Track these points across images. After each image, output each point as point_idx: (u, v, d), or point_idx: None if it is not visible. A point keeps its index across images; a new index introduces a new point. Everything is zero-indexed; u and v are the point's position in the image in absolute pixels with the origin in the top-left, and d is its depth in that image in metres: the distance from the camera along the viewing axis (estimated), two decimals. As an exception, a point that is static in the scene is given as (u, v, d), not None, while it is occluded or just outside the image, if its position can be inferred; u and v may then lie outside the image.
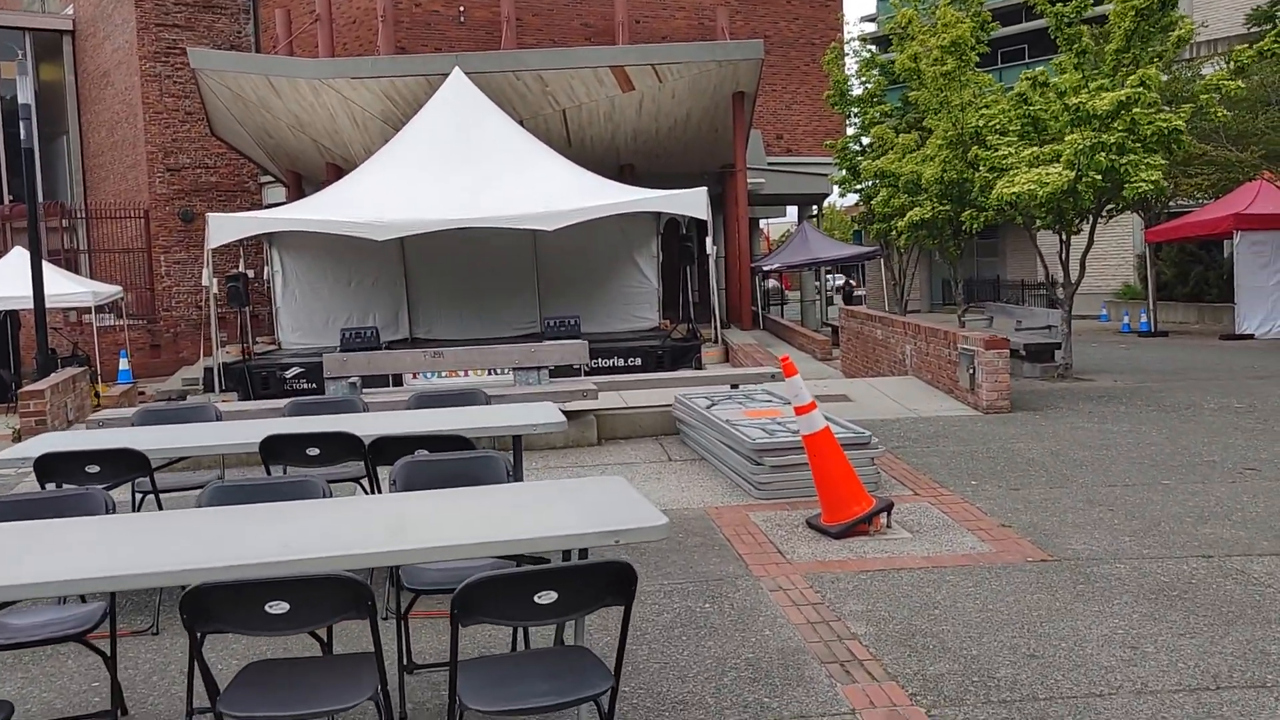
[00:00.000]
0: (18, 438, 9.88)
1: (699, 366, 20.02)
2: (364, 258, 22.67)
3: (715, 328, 19.56)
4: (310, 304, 22.93)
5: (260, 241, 23.05)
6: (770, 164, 28.31)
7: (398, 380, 19.06)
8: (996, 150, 11.86)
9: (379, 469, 5.21)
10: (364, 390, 8.80)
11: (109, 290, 20.18)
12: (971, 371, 9.64)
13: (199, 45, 26.44)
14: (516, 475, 5.12)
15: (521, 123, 21.49)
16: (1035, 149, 11.37)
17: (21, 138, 16.95)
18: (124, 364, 17.62)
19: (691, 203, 19.46)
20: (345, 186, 20.10)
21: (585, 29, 26.57)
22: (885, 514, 5.90)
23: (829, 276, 38.17)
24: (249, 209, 26.45)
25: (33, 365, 22.90)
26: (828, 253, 25.54)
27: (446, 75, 21.34)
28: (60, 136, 31.48)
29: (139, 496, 5.66)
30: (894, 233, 18.33)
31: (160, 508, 5.40)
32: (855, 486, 5.77)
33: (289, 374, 19.66)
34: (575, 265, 23.36)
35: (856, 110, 23.74)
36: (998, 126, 12.20)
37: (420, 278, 23.56)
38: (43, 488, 4.50)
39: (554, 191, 19.24)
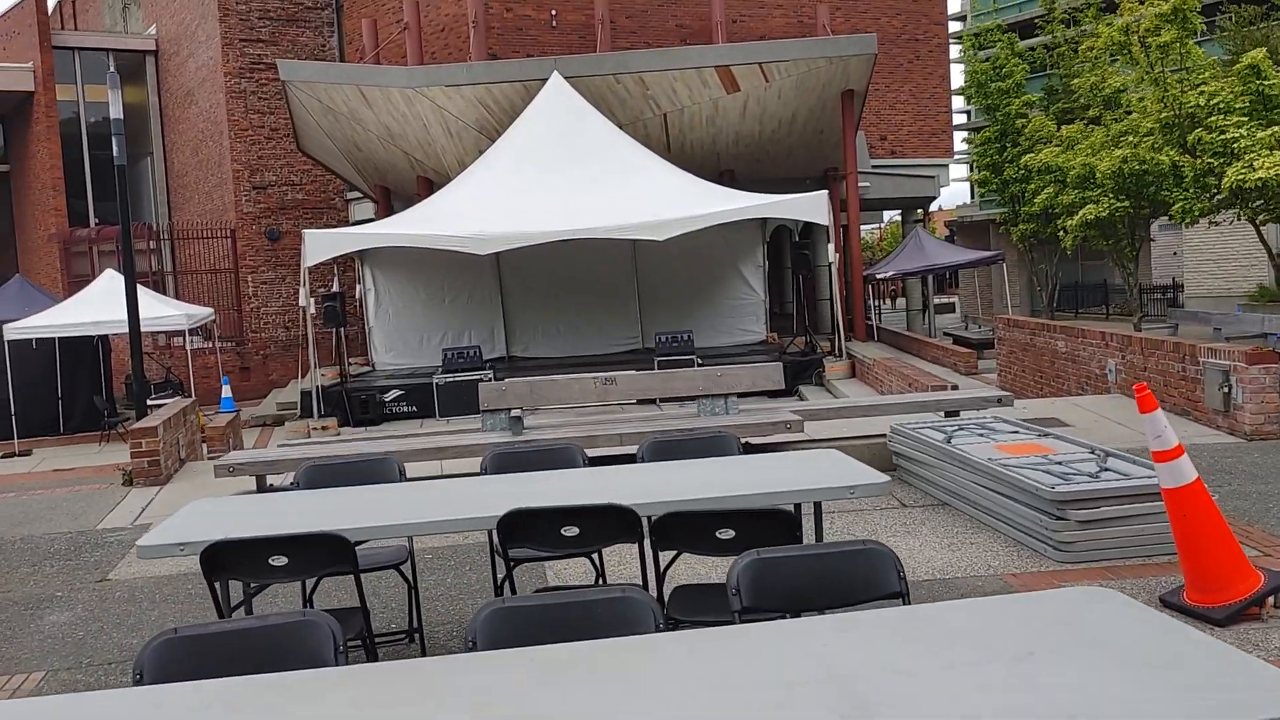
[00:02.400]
0: (129, 480, 8.90)
1: (820, 382, 18.73)
2: (458, 273, 21.79)
3: (839, 340, 18.25)
4: (404, 323, 22.09)
5: (350, 259, 22.23)
6: (875, 166, 26.94)
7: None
8: (1223, 132, 10.39)
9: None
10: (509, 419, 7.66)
11: (202, 312, 19.42)
12: (1226, 390, 8.25)
13: (283, 60, 25.76)
14: (818, 537, 3.94)
15: (621, 128, 20.40)
16: (1276, 129, 9.91)
17: (114, 154, 16.19)
18: (226, 390, 16.76)
19: (812, 207, 18.25)
20: (443, 199, 19.18)
21: (680, 30, 25.48)
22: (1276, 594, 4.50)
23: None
24: (336, 226, 25.69)
25: (122, 391, 22.28)
26: (944, 258, 24.09)
27: (544, 81, 20.34)
28: (144, 158, 31.07)
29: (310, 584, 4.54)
30: (1061, 232, 16.80)
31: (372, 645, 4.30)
32: (1237, 555, 4.43)
33: (388, 397, 18.74)
34: (677, 277, 22.28)
35: (992, 103, 22.09)
36: (1221, 105, 10.71)
37: (516, 293, 22.62)
38: (212, 589, 3.38)
39: (663, 199, 18.16)
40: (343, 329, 19.67)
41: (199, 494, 8.56)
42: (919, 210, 29.15)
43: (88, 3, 35.45)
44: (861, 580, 2.86)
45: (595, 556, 4.49)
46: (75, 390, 19.85)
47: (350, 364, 21.42)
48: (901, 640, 2.30)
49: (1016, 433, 6.90)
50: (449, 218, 17.96)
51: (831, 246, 18.14)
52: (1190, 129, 11.20)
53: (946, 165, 28.52)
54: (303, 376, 20.90)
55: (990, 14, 39.71)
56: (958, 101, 38.73)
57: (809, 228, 23.59)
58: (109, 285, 18.80)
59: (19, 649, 5.12)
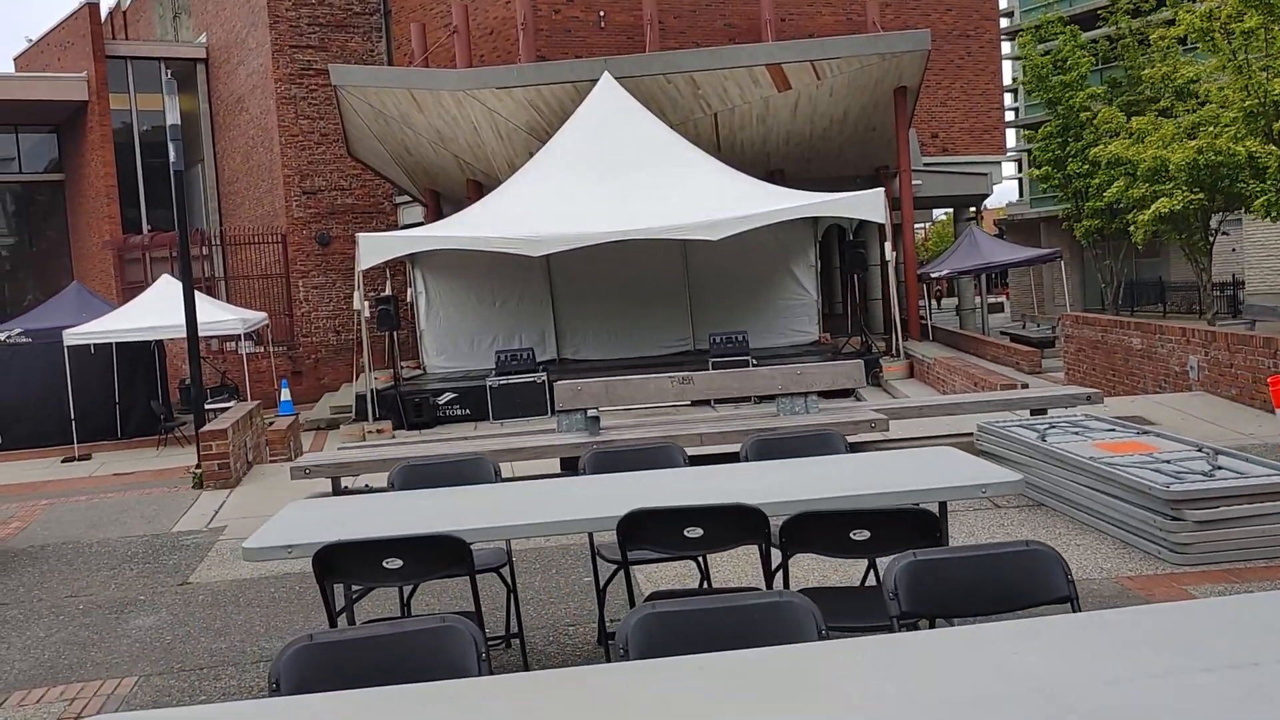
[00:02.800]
0: (199, 483, 8.86)
1: (877, 383, 18.47)
2: (508, 276, 21.74)
3: (895, 340, 18.00)
4: (455, 326, 22.07)
5: (401, 263, 22.24)
6: (926, 164, 26.60)
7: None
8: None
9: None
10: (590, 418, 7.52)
11: (256, 317, 19.49)
12: (1325, 385, 7.97)
13: (335, 65, 25.88)
14: (943, 543, 3.76)
15: (671, 129, 20.26)
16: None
17: (171, 159, 16.27)
18: (285, 394, 16.79)
19: (869, 205, 18.02)
20: (494, 201, 19.13)
21: (729, 30, 25.31)
22: None
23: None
24: (385, 230, 25.72)
25: (177, 396, 22.44)
26: (1001, 256, 23.71)
27: (594, 81, 20.23)
28: (195, 165, 31.35)
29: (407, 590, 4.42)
30: (1131, 227, 16.38)
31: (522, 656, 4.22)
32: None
33: (441, 400, 18.72)
34: (728, 278, 22.10)
35: (1054, 97, 21.57)
36: (1309, 92, 10.40)
37: (566, 295, 22.52)
38: (325, 593, 3.26)
39: (717, 199, 18.00)
40: (396, 332, 19.64)
41: (270, 496, 8.49)
42: (971, 208, 28.77)
43: (139, 13, 35.84)
44: (1025, 583, 2.69)
45: (702, 559, 4.35)
46: (132, 395, 20.00)
47: (401, 367, 21.44)
48: (1094, 647, 2.12)
49: (1113, 430, 6.66)
50: (501, 220, 17.91)
51: (889, 244, 17.88)
52: (1276, 117, 10.87)
53: (999, 162, 28.14)
54: (356, 380, 20.97)
55: (1040, 8, 39.20)
56: (1009, 98, 38.25)
57: (862, 226, 23.33)
58: (165, 290, 18.92)
59: (108, 653, 5.05)
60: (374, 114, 21.68)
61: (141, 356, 20.08)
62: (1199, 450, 5.98)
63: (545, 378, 18.48)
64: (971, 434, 7.45)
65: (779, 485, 3.75)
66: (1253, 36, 11.95)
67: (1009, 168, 38.04)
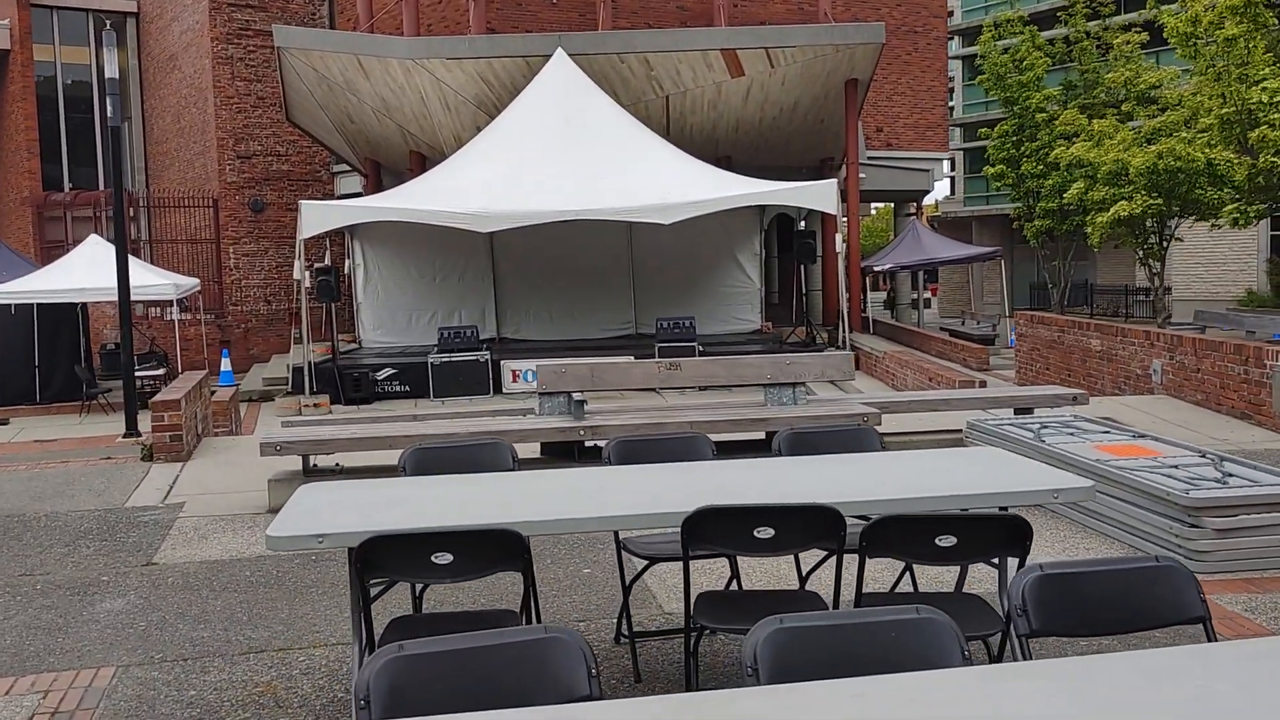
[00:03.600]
0: (148, 455, 8.42)
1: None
2: (451, 252, 21.34)
3: (843, 331, 17.99)
4: (393, 300, 21.62)
5: (339, 234, 21.67)
6: (870, 158, 26.69)
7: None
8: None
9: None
10: (569, 403, 7.29)
11: (188, 283, 18.82)
12: (1301, 395, 8.06)
13: (270, 28, 25.09)
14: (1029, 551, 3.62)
15: (622, 109, 20.00)
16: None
17: (108, 114, 15.57)
18: (225, 364, 16.20)
19: (821, 195, 18.00)
20: (442, 174, 18.70)
21: (681, 13, 25.08)
22: None
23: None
24: (321, 198, 25.06)
25: (98, 361, 21.59)
26: (943, 253, 23.90)
27: (547, 57, 19.86)
28: (123, 123, 30.20)
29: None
30: (1089, 228, 16.52)
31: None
32: None
33: (380, 375, 18.28)
34: (673, 263, 21.99)
35: (1011, 96, 21.71)
36: (1282, 103, 10.53)
37: (508, 274, 22.20)
38: (361, 585, 3.00)
39: (670, 182, 17.81)
40: (334, 304, 19.13)
41: (226, 472, 8.11)
42: (911, 204, 29.00)
43: (65, -39, 34.39)
44: (1156, 602, 2.55)
45: (734, 560, 4.15)
46: (54, 359, 19.17)
47: (337, 340, 20.89)
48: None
49: (1107, 433, 6.64)
50: (449, 194, 17.51)
51: (840, 236, 17.87)
52: (1251, 126, 11.02)
53: (941, 159, 28.38)
54: (291, 351, 20.37)
55: (980, 9, 39.64)
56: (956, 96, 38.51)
57: (809, 217, 23.34)
58: (93, 251, 18.18)
59: (77, 640, 4.69)
60: (317, 79, 21.05)
61: (65, 319, 19.25)
62: (1202, 456, 5.97)
63: (489, 356, 18.18)
64: (959, 430, 7.40)
65: (843, 484, 3.58)
66: (1233, 44, 12.08)
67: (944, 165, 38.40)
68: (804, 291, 22.68)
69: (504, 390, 18.31)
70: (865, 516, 3.23)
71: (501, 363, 18.39)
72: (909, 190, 28.05)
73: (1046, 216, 18.81)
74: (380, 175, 23.70)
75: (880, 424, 6.78)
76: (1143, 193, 14.08)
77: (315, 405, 16.92)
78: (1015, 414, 7.78)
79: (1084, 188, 16.71)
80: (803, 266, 20.83)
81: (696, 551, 3.17)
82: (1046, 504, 3.47)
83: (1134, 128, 14.98)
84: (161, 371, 18.31)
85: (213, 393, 11.51)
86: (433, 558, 2.93)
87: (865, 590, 3.29)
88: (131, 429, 15.21)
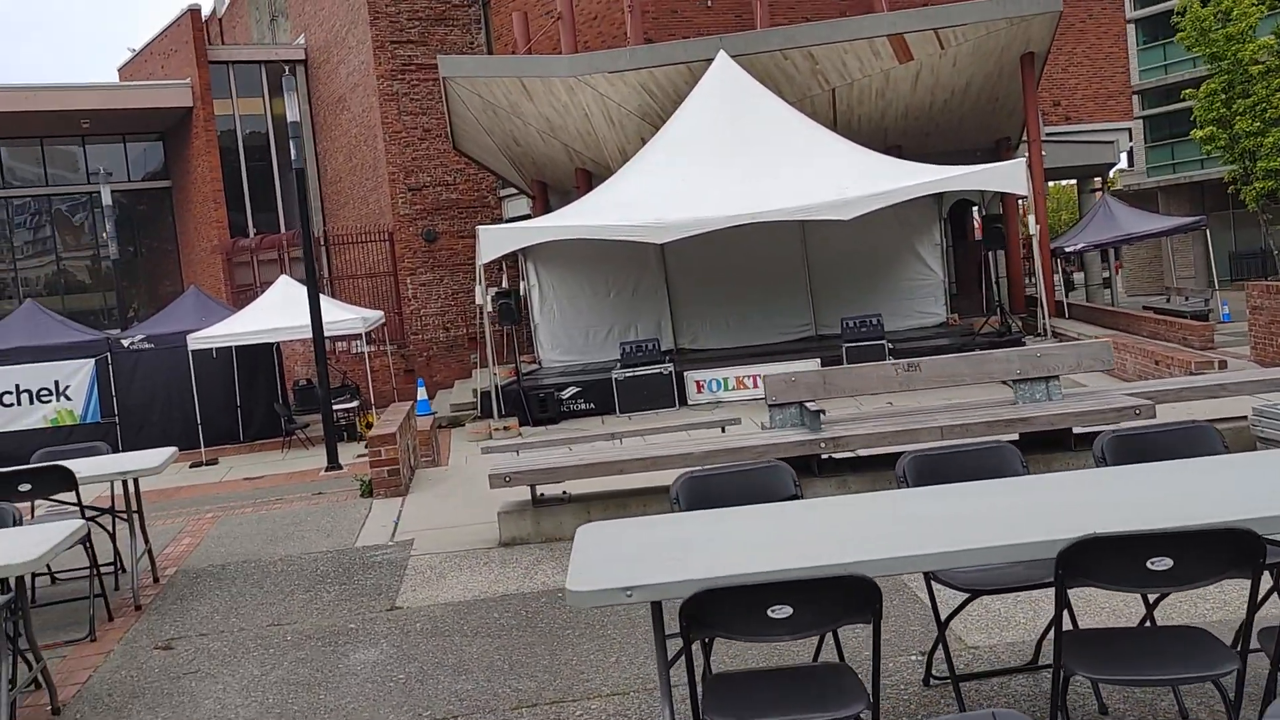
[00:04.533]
0: (368, 491, 8.38)
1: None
2: (622, 266, 21.23)
3: (1044, 319, 17.02)
4: (569, 319, 21.62)
5: (513, 257, 21.79)
6: (1048, 134, 25.41)
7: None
8: None
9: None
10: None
11: (374, 315, 19.18)
12: None
13: (432, 60, 25.59)
14: None
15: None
16: None
17: (292, 155, 16.00)
18: (421, 393, 16.40)
19: (1010, 177, 17.09)
20: (613, 189, 18.55)
21: (840, 3, 24.40)
22: None
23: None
24: (491, 223, 25.36)
25: (293, 399, 22.27)
26: (1140, 227, 22.43)
27: (709, 61, 19.53)
28: (303, 165, 31.35)
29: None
30: None
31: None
32: None
33: (565, 395, 18.22)
34: (849, 259, 21.33)
35: (1218, 51, 20.10)
36: None
37: (681, 284, 21.94)
38: (687, 643, 2.62)
39: (846, 177, 17.20)
40: (515, 326, 19.21)
41: (446, 505, 7.98)
42: (1096, 178, 27.47)
43: (235, 19, 36.01)
44: None
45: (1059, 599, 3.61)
46: (253, 398, 19.87)
47: (519, 362, 20.99)
48: None
49: None
50: (622, 207, 17.36)
51: (1033, 218, 16.93)
52: None
53: (1126, 129, 26.81)
54: (478, 376, 20.58)
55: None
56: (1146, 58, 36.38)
57: (992, 201, 22.37)
58: (285, 292, 18.71)
59: (339, 696, 4.51)
60: (482, 105, 21.26)
61: (261, 359, 19.94)
62: None
63: (673, 369, 17.92)
64: (1241, 418, 6.64)
65: (1234, 497, 3.04)
66: None
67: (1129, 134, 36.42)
68: (994, 279, 21.65)
69: (689, 402, 18.04)
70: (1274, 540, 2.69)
71: (685, 374, 18.10)
72: (1093, 165, 26.58)
73: (1269, 177, 17.34)
74: (548, 195, 23.81)
75: (1155, 414, 6.11)
76: None
77: (505, 428, 16.96)
78: (1290, 397, 6.97)
79: None
80: (993, 253, 19.82)
81: (1072, 586, 2.68)
82: None
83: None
84: (355, 404, 18.71)
85: (413, 423, 11.51)
86: (769, 611, 2.54)
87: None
88: (333, 462, 15.54)
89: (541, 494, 6.82)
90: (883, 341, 17.53)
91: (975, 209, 23.40)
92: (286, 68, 22.75)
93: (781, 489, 3.85)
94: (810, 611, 2.56)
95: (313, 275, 15.66)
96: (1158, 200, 37.56)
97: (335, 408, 17.10)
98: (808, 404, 6.59)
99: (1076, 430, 6.48)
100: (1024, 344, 17.76)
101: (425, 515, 7.66)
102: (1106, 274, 26.03)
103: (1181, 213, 32.10)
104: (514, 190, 25.87)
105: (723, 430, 12.65)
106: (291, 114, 15.89)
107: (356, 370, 21.72)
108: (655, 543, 3.21)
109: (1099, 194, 26.72)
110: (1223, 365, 10.59)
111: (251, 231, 29.81)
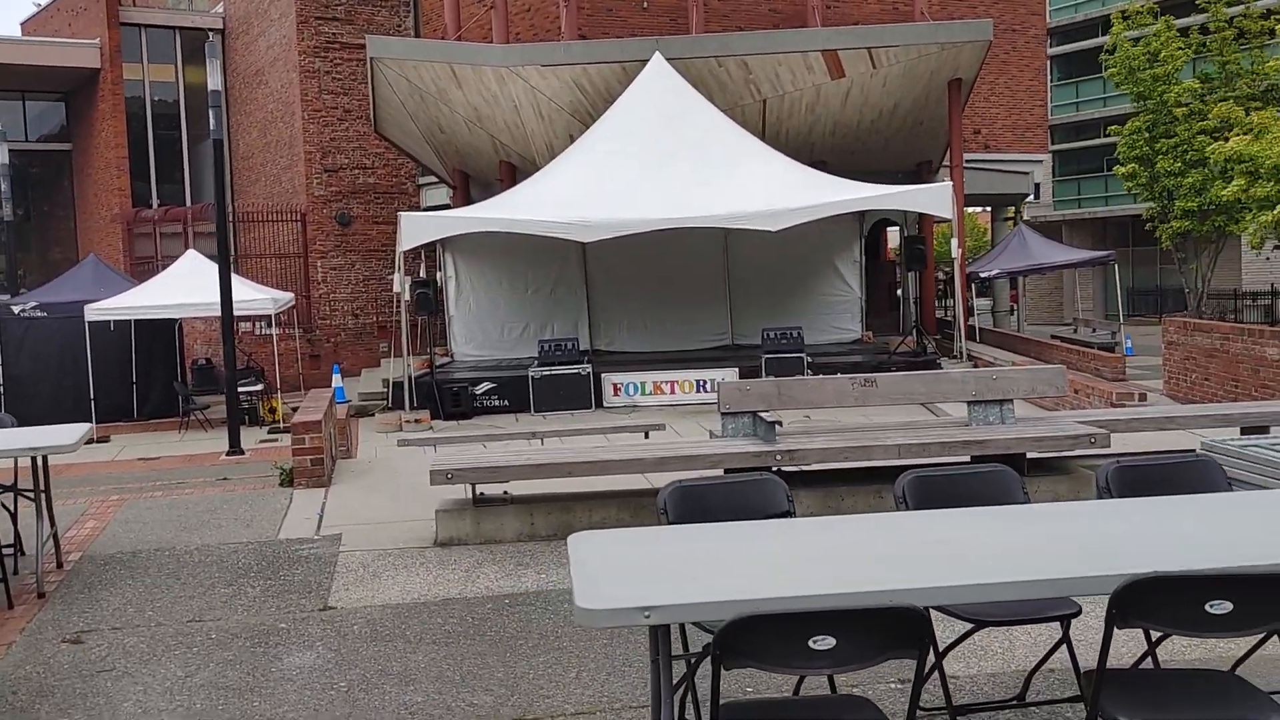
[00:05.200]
0: (288, 480, 7.96)
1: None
2: (543, 263, 20.95)
3: (960, 341, 17.25)
4: (485, 313, 21.24)
5: (432, 246, 21.30)
6: (968, 161, 25.81)
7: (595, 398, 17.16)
8: None
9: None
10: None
11: (285, 297, 18.55)
12: None
13: (357, 39, 24.92)
14: None
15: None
16: None
17: (211, 127, 15.39)
18: (337, 379, 15.83)
19: (937, 199, 17.33)
20: (541, 184, 18.27)
21: (773, 14, 24.49)
22: None
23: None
24: (409, 211, 24.81)
25: (190, 378, 21.43)
26: (1053, 257, 22.95)
27: (644, 62, 19.35)
28: (205, 139, 30.26)
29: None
30: (1252, 227, 15.46)
31: None
32: None
33: (479, 390, 17.85)
34: (770, 272, 21.39)
35: (1144, 90, 20.59)
36: None
37: (602, 285, 21.74)
38: (716, 674, 2.40)
39: (775, 189, 17.20)
40: (430, 318, 18.75)
41: (375, 499, 7.62)
42: (1009, 207, 28.06)
43: (149, -21, 34.66)
44: None
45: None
46: (151, 375, 19.03)
47: (429, 354, 20.53)
48: None
49: (1383, 457, 5.89)
50: (549, 204, 17.09)
51: (955, 241, 17.15)
52: None
53: (1040, 161, 27.43)
54: (382, 365, 20.03)
55: (1069, 8, 38.54)
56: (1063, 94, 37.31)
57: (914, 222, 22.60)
58: (192, 267, 17.99)
59: (275, 704, 4.16)
60: (409, 89, 20.75)
61: (161, 334, 19.12)
62: None
63: (591, 369, 17.69)
64: (1188, 451, 6.66)
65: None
66: None
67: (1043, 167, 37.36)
68: (909, 299, 21.90)
69: (605, 404, 17.82)
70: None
71: (603, 376, 17.88)
72: (1007, 194, 27.14)
73: (1185, 217, 17.87)
74: (469, 186, 23.36)
75: (1109, 445, 6.10)
76: (1315, 188, 13.15)
77: (417, 421, 16.52)
78: (1242, 433, 7.04)
79: (1244, 184, 15.65)
80: (912, 274, 20.04)
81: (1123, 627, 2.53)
82: None
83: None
84: (260, 388, 18.04)
85: (334, 411, 11.05)
86: (811, 642, 2.34)
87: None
88: (235, 447, 14.93)
89: (481, 493, 6.52)
90: (802, 355, 17.55)
91: (898, 229, 23.67)
92: (210, 34, 21.90)
93: (774, 504, 3.65)
94: (854, 643, 2.37)
95: (226, 251, 15.03)
96: (1061, 233, 38.63)
97: (239, 390, 16.43)
98: (761, 414, 6.43)
99: (1031, 455, 6.45)
100: (940, 366, 17.98)
101: (351, 509, 7.28)
102: (1013, 304, 26.60)
103: (1084, 247, 33.03)
104: (434, 179, 25.34)
105: (646, 436, 12.46)
106: (214, 82, 15.24)
107: (261, 353, 20.98)
108: (664, 558, 2.98)
109: (1011, 223, 27.28)
110: (1143, 398, 10.78)
111: (155, 203, 28.69)
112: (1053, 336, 20.53)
